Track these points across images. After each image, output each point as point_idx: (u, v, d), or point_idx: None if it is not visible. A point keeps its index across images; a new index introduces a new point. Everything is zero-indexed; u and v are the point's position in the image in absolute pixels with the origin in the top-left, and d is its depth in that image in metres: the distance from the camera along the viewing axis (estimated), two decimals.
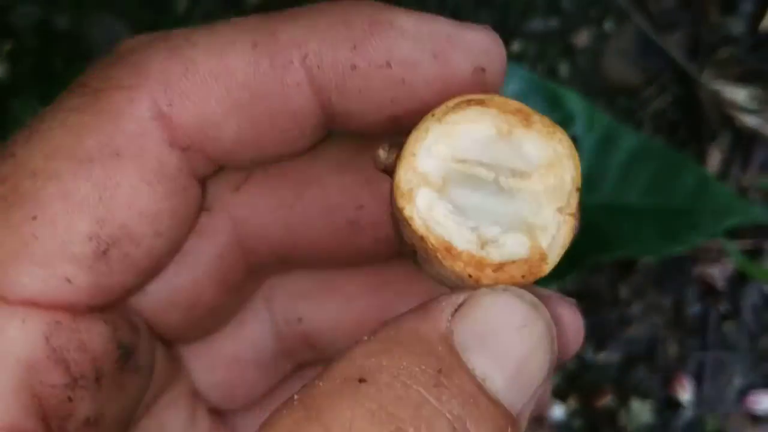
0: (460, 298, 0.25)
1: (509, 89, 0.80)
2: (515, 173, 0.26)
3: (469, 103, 0.26)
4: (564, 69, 0.87)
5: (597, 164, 0.82)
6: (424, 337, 0.24)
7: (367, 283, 0.36)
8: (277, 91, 0.28)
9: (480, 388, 0.24)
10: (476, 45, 0.28)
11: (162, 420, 0.34)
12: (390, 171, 0.27)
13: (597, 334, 0.86)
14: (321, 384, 0.24)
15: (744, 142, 0.87)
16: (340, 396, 0.24)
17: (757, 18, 0.88)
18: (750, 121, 0.87)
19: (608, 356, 0.86)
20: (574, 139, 0.83)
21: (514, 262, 0.26)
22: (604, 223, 0.83)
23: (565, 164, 0.26)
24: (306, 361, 0.38)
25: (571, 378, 0.85)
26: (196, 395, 0.36)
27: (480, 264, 0.25)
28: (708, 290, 0.87)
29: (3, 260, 0.26)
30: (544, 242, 0.26)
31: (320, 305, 0.36)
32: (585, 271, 0.84)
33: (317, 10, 0.28)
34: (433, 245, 0.25)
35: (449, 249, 0.25)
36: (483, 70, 0.28)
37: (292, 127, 0.29)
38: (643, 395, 0.86)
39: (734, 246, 0.85)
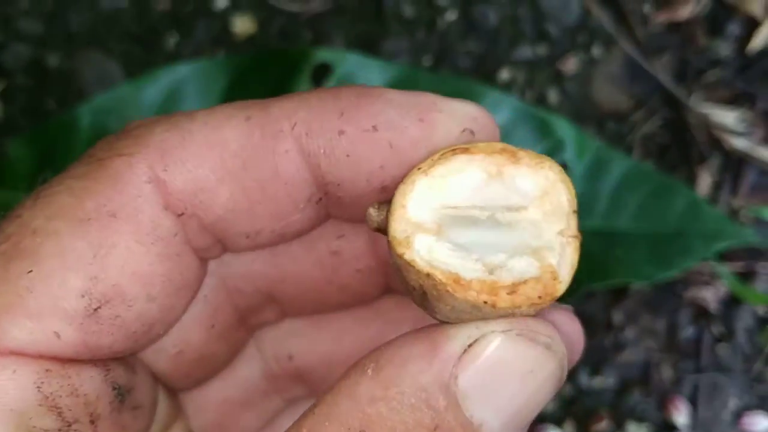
0: (471, 336, 0.25)
1: (498, 118, 0.81)
2: (511, 209, 0.27)
3: (453, 152, 0.27)
4: (553, 95, 0.87)
5: (588, 190, 0.83)
6: (425, 386, 0.25)
7: (357, 317, 0.36)
8: (268, 159, 0.28)
9: None
10: (463, 111, 0.28)
11: None
12: (383, 228, 0.27)
13: (592, 360, 0.86)
14: (327, 425, 0.25)
15: (733, 164, 0.88)
16: None
17: (745, 41, 0.89)
18: (739, 143, 0.87)
19: (603, 381, 0.86)
20: (565, 166, 0.83)
21: (526, 282, 0.26)
22: (597, 250, 0.83)
23: (559, 188, 0.27)
24: (298, 396, 0.39)
25: (567, 403, 0.86)
26: None
27: (493, 288, 0.25)
28: (701, 313, 0.87)
29: None
30: (554, 261, 0.26)
31: (311, 341, 0.37)
32: (578, 297, 0.84)
33: (311, 91, 0.29)
34: (441, 280, 0.25)
35: (458, 280, 0.25)
36: (472, 132, 0.28)
37: (283, 196, 0.29)
38: (639, 419, 0.86)
39: (726, 269, 0.86)
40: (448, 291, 0.25)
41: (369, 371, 0.26)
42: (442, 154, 0.27)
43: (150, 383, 0.32)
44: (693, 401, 0.86)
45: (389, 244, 0.26)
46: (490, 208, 0.27)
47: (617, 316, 0.87)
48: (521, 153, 0.27)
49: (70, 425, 0.27)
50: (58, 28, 0.84)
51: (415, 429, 0.24)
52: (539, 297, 0.26)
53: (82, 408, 0.28)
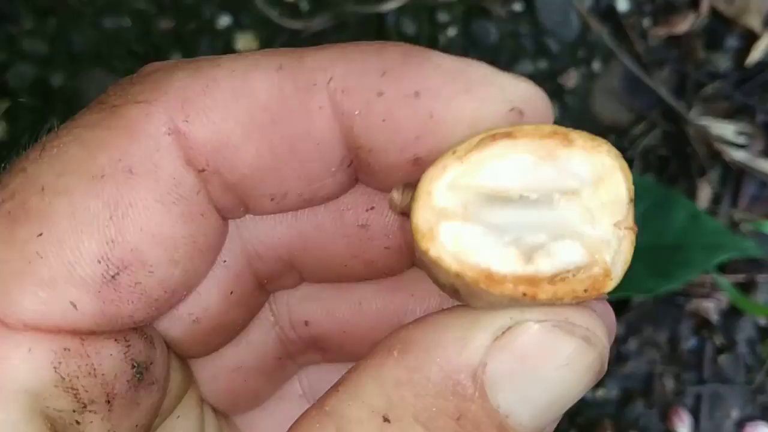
0: (504, 325, 0.24)
1: None
2: (563, 193, 0.24)
3: (494, 137, 0.24)
4: (554, 110, 0.88)
5: None
6: (453, 372, 0.24)
7: (380, 287, 0.34)
8: (299, 114, 0.26)
9: (500, 427, 0.24)
10: (514, 87, 0.26)
11: (176, 429, 0.32)
12: (406, 213, 0.25)
13: None
14: (351, 405, 0.24)
15: (733, 176, 0.89)
16: (366, 429, 0.24)
17: (743, 54, 0.89)
18: (738, 155, 0.88)
19: (606, 393, 0.87)
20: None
21: (574, 274, 0.23)
22: None
23: (616, 176, 0.24)
24: (311, 362, 0.37)
25: (571, 415, 0.86)
26: (203, 401, 0.35)
27: (531, 280, 0.23)
28: (702, 324, 0.88)
29: (4, 280, 0.25)
30: (607, 257, 0.24)
31: (328, 308, 0.34)
32: None
33: (351, 43, 0.27)
34: (471, 278, 0.23)
35: (489, 276, 0.23)
36: (521, 113, 0.26)
37: (314, 157, 0.27)
38: (642, 430, 0.87)
39: (727, 280, 0.86)
40: (481, 288, 0.23)
41: (395, 353, 0.24)
42: (482, 139, 0.24)
43: (165, 355, 0.30)
44: (695, 412, 0.87)
45: (412, 235, 0.24)
46: (537, 191, 0.24)
47: (619, 328, 0.87)
48: (574, 135, 0.24)
49: (85, 407, 0.26)
50: (62, 48, 0.85)
51: (438, 416, 0.23)
52: (585, 291, 0.23)
53: (99, 388, 0.26)
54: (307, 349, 0.36)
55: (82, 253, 0.25)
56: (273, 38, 0.86)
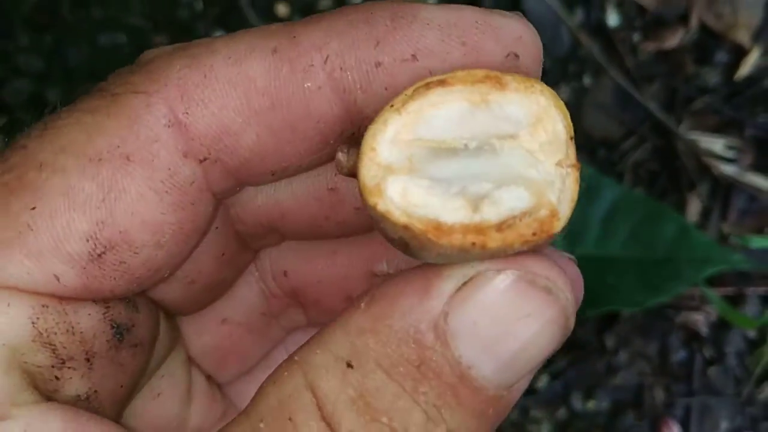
0: (466, 274, 0.24)
1: None
2: (501, 138, 0.24)
3: (428, 86, 0.24)
4: None
5: (580, 217, 0.84)
6: (414, 321, 0.24)
7: (353, 239, 0.35)
8: (298, 96, 0.27)
9: (462, 377, 0.24)
10: (507, 30, 0.26)
11: (161, 389, 0.33)
12: (354, 173, 0.25)
13: (585, 384, 0.88)
14: (318, 353, 0.25)
15: (722, 190, 0.89)
16: (332, 375, 0.24)
17: (732, 68, 0.90)
18: (727, 169, 0.89)
19: (597, 404, 0.88)
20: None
21: (519, 218, 0.23)
22: (589, 277, 0.84)
23: (553, 115, 0.24)
24: (295, 326, 0.38)
25: (562, 427, 0.87)
26: (192, 363, 0.35)
27: (479, 229, 0.23)
28: (692, 337, 0.89)
29: None
30: (552, 197, 0.24)
31: (305, 259, 0.35)
32: None
33: (338, 12, 0.27)
34: (420, 229, 0.23)
35: (438, 227, 0.23)
36: (516, 56, 0.26)
37: (314, 134, 0.28)
38: None
39: (715, 294, 0.87)
40: (430, 240, 0.23)
41: (362, 305, 0.25)
42: (416, 89, 0.24)
43: (152, 319, 0.31)
44: (685, 423, 0.87)
45: (360, 192, 0.24)
46: (475, 139, 0.24)
47: (610, 341, 0.88)
48: (507, 78, 0.24)
49: (63, 362, 0.26)
50: (58, 64, 0.86)
51: (399, 363, 0.24)
52: (533, 234, 0.23)
53: (78, 346, 0.27)
54: (290, 305, 0.37)
55: (72, 230, 0.26)
56: None
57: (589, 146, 0.90)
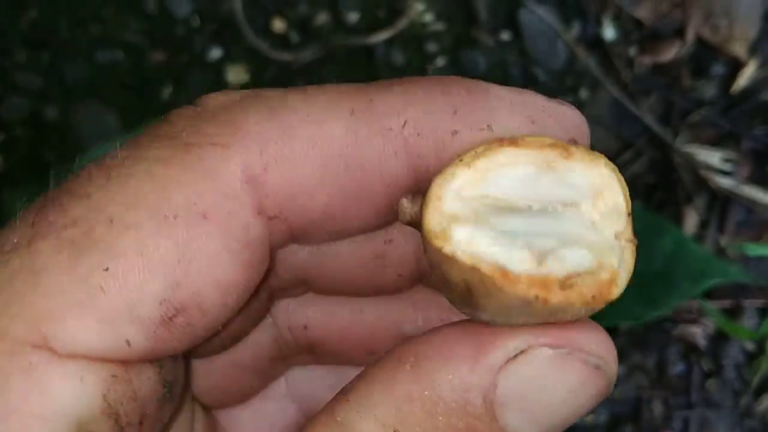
0: (518, 345, 0.24)
1: None
2: (564, 204, 0.25)
3: (500, 143, 0.25)
4: None
5: None
6: (464, 389, 0.24)
7: (381, 297, 0.34)
8: (373, 160, 0.27)
9: None
10: (568, 117, 0.27)
11: (170, 428, 0.33)
12: (416, 223, 0.25)
13: None
14: (361, 417, 0.25)
15: (719, 203, 0.90)
16: None
17: (729, 81, 0.91)
18: (724, 182, 0.89)
19: (595, 418, 0.88)
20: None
21: (582, 276, 0.24)
22: None
23: (615, 188, 0.25)
24: (302, 363, 0.37)
25: None
26: (194, 398, 0.35)
27: (544, 282, 0.23)
28: (690, 349, 0.89)
29: (64, 310, 0.24)
30: (614, 261, 0.24)
31: (329, 313, 0.35)
32: None
33: (412, 81, 0.27)
34: (487, 273, 0.23)
35: (505, 274, 0.23)
36: (575, 142, 0.27)
37: (383, 199, 0.27)
38: None
39: (713, 306, 0.87)
40: (495, 285, 0.23)
41: (408, 366, 0.25)
42: (488, 146, 0.25)
43: (184, 369, 0.31)
44: None
45: (424, 239, 0.24)
46: (539, 201, 0.25)
47: None
48: (573, 148, 0.25)
49: (122, 429, 0.26)
50: (56, 81, 0.86)
51: (446, 431, 0.24)
52: (593, 297, 0.24)
53: (137, 410, 0.26)
54: (303, 352, 0.36)
55: (146, 293, 0.25)
56: (263, 70, 0.87)
57: None
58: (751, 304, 0.89)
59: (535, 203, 0.25)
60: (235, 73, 0.87)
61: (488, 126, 0.26)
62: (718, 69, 0.91)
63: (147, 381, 0.27)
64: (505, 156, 0.25)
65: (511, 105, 0.26)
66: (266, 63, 0.87)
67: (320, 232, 0.28)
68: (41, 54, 0.86)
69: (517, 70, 0.89)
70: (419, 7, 0.88)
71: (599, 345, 0.25)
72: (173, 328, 0.26)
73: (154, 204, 0.25)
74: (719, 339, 0.89)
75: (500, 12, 0.89)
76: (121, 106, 0.86)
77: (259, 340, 0.35)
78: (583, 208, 0.25)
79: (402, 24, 0.87)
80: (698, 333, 0.89)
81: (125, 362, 0.26)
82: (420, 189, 0.27)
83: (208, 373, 0.35)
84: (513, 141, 0.25)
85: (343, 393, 0.25)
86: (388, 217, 0.28)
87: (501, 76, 0.89)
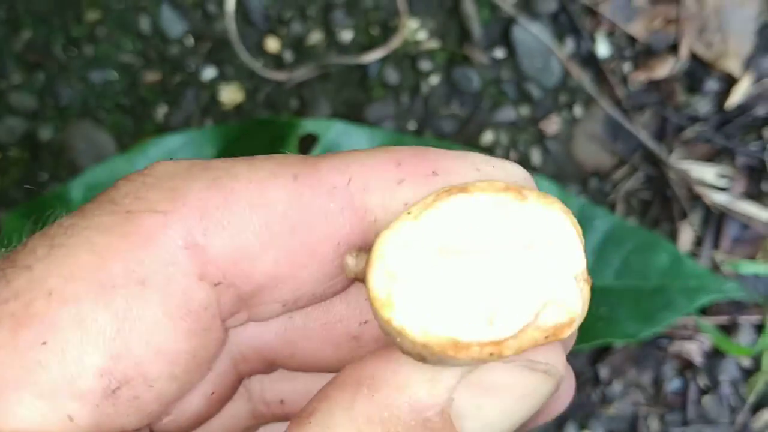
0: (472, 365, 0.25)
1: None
2: (520, 249, 0.25)
3: (450, 192, 0.25)
4: (536, 155, 0.89)
5: None
6: (423, 411, 0.25)
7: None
8: (320, 219, 0.27)
9: None
10: (510, 168, 0.27)
11: None
12: (362, 279, 0.25)
13: (579, 414, 0.88)
14: None
15: (715, 219, 0.90)
16: None
17: (723, 97, 0.90)
18: (719, 198, 0.89)
19: None
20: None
21: (534, 328, 0.24)
22: None
23: (569, 231, 0.25)
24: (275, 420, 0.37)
25: None
26: None
27: (496, 342, 0.24)
28: (686, 366, 0.89)
29: (3, 386, 0.24)
30: (571, 304, 0.24)
31: (304, 385, 0.34)
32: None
33: (354, 150, 0.28)
34: (438, 348, 0.23)
35: (456, 344, 0.24)
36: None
37: (332, 258, 0.27)
38: None
39: (709, 322, 0.87)
40: (448, 355, 0.24)
41: (365, 389, 0.25)
42: (437, 195, 0.25)
43: None
44: None
45: (371, 305, 0.24)
46: (494, 248, 0.25)
47: (603, 371, 0.88)
48: (527, 192, 0.25)
49: None
50: (50, 102, 0.86)
51: None
52: (546, 338, 0.24)
53: None
54: (279, 420, 0.36)
55: (86, 365, 0.24)
56: (257, 89, 0.87)
57: (580, 176, 0.90)
58: (747, 320, 0.88)
59: (490, 250, 0.24)
60: (229, 93, 0.87)
61: (433, 172, 0.26)
62: (712, 85, 0.91)
63: None
64: (456, 203, 0.25)
65: (454, 157, 0.27)
66: (260, 82, 0.87)
67: (271, 300, 0.28)
68: (35, 74, 0.87)
69: (511, 88, 0.89)
70: (413, 25, 0.88)
71: (547, 353, 0.25)
72: (117, 401, 0.25)
73: (92, 275, 0.24)
74: (715, 355, 0.89)
75: (494, 29, 0.89)
76: (115, 126, 0.86)
77: (233, 414, 0.35)
78: (539, 251, 0.24)
79: (395, 42, 0.87)
80: (694, 349, 0.89)
81: None
82: (368, 244, 0.27)
83: None
84: (463, 188, 0.24)
85: (305, 415, 0.26)
86: (341, 278, 0.28)
87: (495, 94, 0.89)
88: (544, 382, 0.26)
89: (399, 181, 0.26)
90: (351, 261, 0.26)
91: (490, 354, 0.24)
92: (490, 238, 0.24)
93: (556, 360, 0.26)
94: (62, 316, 0.24)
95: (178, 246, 0.25)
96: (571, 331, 0.24)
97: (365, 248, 0.25)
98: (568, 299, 0.24)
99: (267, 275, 0.27)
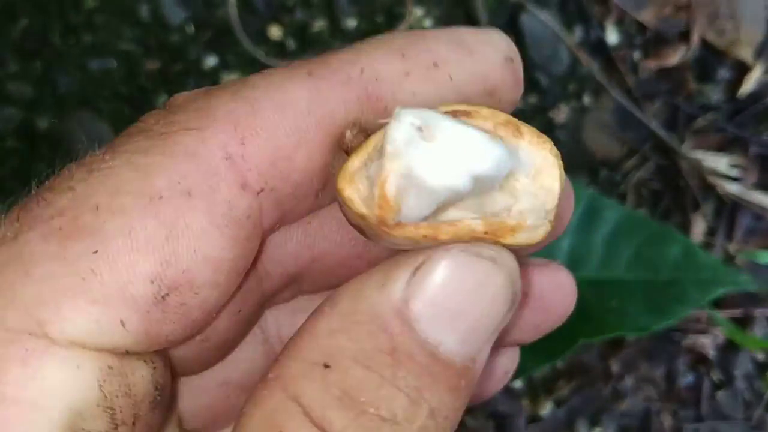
0: (417, 261, 0.25)
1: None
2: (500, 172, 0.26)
3: (454, 114, 0.26)
4: None
5: (582, 240, 0.83)
6: (379, 313, 0.25)
7: None
8: (339, 109, 0.28)
9: (432, 356, 0.25)
10: (500, 41, 0.30)
11: None
12: (350, 154, 0.26)
13: (590, 410, 0.86)
14: (293, 365, 0.25)
15: (727, 209, 0.88)
16: (311, 380, 0.25)
17: (735, 85, 0.89)
18: (732, 188, 0.87)
19: (603, 431, 0.86)
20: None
21: (489, 215, 0.25)
22: (592, 301, 0.82)
23: (553, 173, 0.26)
24: None
25: None
26: (179, 424, 0.34)
27: (432, 227, 0.25)
28: (699, 360, 0.87)
29: (56, 296, 0.24)
30: (528, 214, 0.26)
31: None
32: (576, 348, 0.84)
33: (358, 43, 0.29)
34: (374, 221, 0.25)
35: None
36: (512, 59, 0.30)
37: None
38: None
39: (722, 315, 0.85)
40: (383, 230, 0.25)
41: (326, 308, 0.26)
42: (443, 114, 0.26)
43: (173, 379, 0.30)
44: None
45: (338, 172, 0.26)
46: (473, 161, 0.25)
47: (615, 366, 0.86)
48: (524, 128, 0.26)
49: (116, 427, 0.26)
50: (48, 91, 0.84)
51: (374, 354, 0.25)
52: (485, 233, 0.25)
53: (130, 409, 0.26)
54: None
55: (137, 272, 0.25)
56: None
57: (590, 166, 0.88)
58: (761, 313, 0.86)
59: (471, 159, 0.26)
60: None
61: (434, 63, 0.28)
62: (724, 73, 0.89)
63: (141, 379, 0.27)
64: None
65: (449, 42, 0.29)
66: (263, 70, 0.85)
67: (309, 193, 0.29)
68: (33, 63, 0.85)
69: None
70: (418, 12, 0.87)
71: (493, 246, 0.26)
72: (167, 307, 0.26)
73: (137, 189, 0.25)
74: (729, 349, 0.87)
75: (501, 17, 0.87)
76: (114, 115, 0.85)
77: (250, 356, 0.35)
78: (520, 180, 0.26)
79: (401, 30, 0.85)
80: (708, 343, 0.87)
81: (121, 355, 0.26)
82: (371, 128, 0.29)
83: (196, 394, 0.34)
84: (467, 113, 0.26)
85: (276, 360, 0.26)
86: None
87: None
88: (495, 271, 0.26)
89: (406, 72, 0.28)
90: (348, 135, 0.27)
91: (424, 236, 0.25)
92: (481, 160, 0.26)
93: (500, 251, 0.26)
94: (111, 227, 0.25)
95: (219, 157, 0.26)
96: (511, 239, 0.25)
97: (365, 129, 0.27)
98: (525, 217, 0.25)
99: (303, 172, 0.28)
